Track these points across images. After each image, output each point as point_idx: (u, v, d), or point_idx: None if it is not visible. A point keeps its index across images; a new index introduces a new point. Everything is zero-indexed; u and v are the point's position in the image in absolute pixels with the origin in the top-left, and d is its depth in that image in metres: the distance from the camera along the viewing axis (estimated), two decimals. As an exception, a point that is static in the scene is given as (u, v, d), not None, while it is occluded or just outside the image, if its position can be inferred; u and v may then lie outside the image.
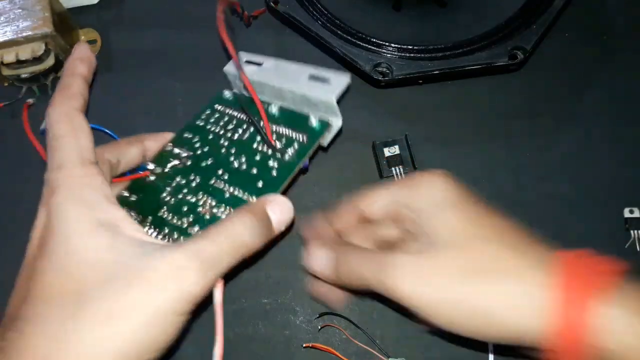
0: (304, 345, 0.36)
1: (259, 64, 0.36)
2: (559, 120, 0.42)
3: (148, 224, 0.33)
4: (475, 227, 0.29)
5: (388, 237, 0.34)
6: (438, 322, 0.28)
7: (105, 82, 0.42)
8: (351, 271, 0.31)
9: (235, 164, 0.33)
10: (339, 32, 0.41)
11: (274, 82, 0.35)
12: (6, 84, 0.41)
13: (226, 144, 0.35)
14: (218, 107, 0.38)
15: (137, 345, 0.24)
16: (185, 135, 0.37)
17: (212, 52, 0.43)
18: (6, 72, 0.39)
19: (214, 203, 0.32)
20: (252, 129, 0.35)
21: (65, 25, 0.41)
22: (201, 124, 0.37)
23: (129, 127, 0.39)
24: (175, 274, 0.25)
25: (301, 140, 0.32)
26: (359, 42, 0.40)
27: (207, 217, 0.31)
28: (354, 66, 0.40)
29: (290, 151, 0.32)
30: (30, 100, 0.40)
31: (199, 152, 0.35)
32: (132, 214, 0.33)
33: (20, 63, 0.39)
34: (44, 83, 0.41)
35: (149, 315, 0.24)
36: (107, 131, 0.40)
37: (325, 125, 0.33)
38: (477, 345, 0.36)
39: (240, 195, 0.31)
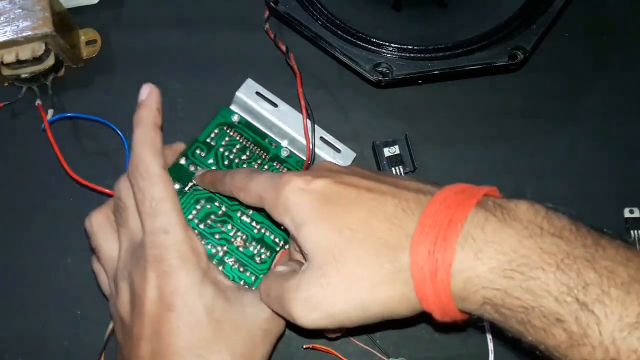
0: (304, 346, 0.36)
1: (274, 105, 0.39)
2: (559, 120, 0.42)
3: None
4: (340, 232, 0.27)
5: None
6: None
7: (106, 82, 0.42)
8: (266, 299, 0.31)
9: None
10: (339, 32, 0.41)
11: (288, 128, 0.39)
12: (6, 84, 0.41)
13: None
14: (227, 129, 0.38)
15: None
16: (198, 151, 0.37)
17: (212, 52, 0.43)
18: (6, 72, 0.39)
19: (244, 237, 0.36)
20: (266, 167, 0.38)
21: (65, 25, 0.41)
22: (212, 143, 0.38)
23: (129, 127, 0.39)
24: (275, 318, 0.31)
25: None
26: (359, 42, 0.40)
27: (241, 250, 0.35)
28: (354, 66, 0.40)
29: None
30: (39, 101, 0.40)
31: None
32: None
33: (20, 63, 0.39)
34: (44, 83, 0.41)
35: (264, 356, 0.31)
36: (112, 126, 0.40)
37: None
38: (477, 346, 0.36)
39: (268, 234, 0.36)
